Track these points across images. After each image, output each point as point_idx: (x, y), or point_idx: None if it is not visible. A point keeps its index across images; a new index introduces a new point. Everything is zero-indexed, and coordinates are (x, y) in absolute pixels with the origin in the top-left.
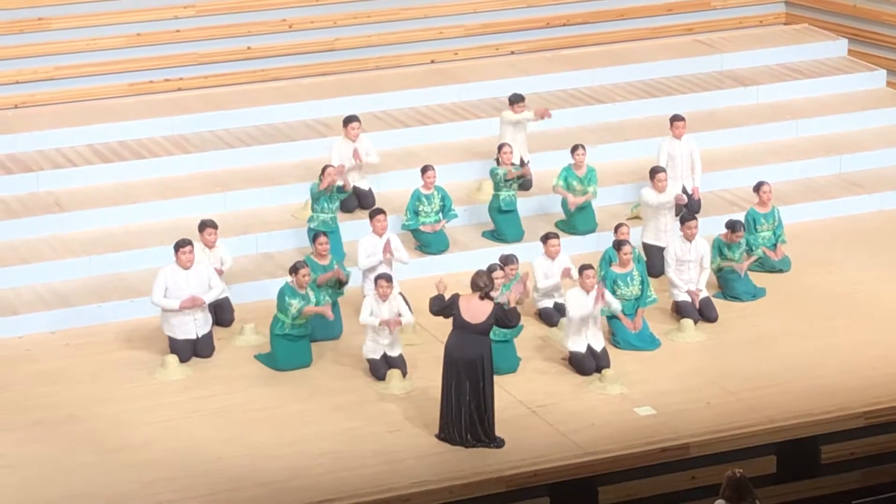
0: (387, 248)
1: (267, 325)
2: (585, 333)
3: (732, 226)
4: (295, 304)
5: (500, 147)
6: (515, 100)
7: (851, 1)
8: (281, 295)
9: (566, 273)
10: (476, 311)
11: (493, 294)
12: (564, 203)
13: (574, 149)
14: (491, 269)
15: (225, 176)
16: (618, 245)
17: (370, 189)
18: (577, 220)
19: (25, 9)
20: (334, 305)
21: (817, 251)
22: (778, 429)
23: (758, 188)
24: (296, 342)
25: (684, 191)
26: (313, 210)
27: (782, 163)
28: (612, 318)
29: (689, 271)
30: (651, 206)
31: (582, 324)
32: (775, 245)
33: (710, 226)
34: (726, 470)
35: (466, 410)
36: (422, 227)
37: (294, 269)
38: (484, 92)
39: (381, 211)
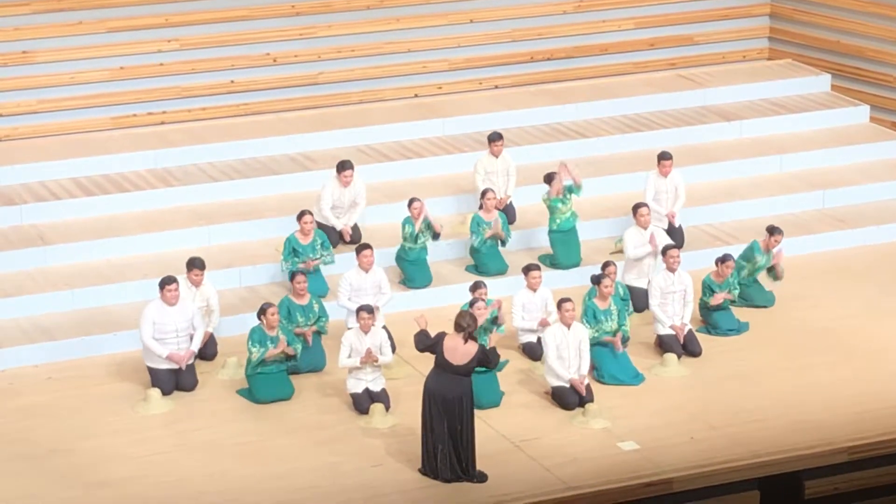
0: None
1: None
2: (567, 369)
3: (723, 259)
4: (255, 353)
5: (484, 193)
6: (494, 138)
7: (835, 36)
8: (249, 337)
9: (543, 323)
10: (459, 352)
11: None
12: (552, 236)
13: (550, 177)
14: (472, 302)
15: (209, 209)
16: (597, 280)
17: (355, 224)
18: (561, 255)
19: (9, 42)
20: (317, 336)
21: (801, 286)
22: (761, 464)
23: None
24: (271, 375)
25: (670, 226)
26: (295, 257)
27: (765, 197)
28: (595, 347)
29: (674, 304)
30: (631, 259)
31: (560, 363)
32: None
33: (694, 260)
34: None
35: (443, 449)
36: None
37: (262, 311)
38: (468, 126)
39: (367, 246)
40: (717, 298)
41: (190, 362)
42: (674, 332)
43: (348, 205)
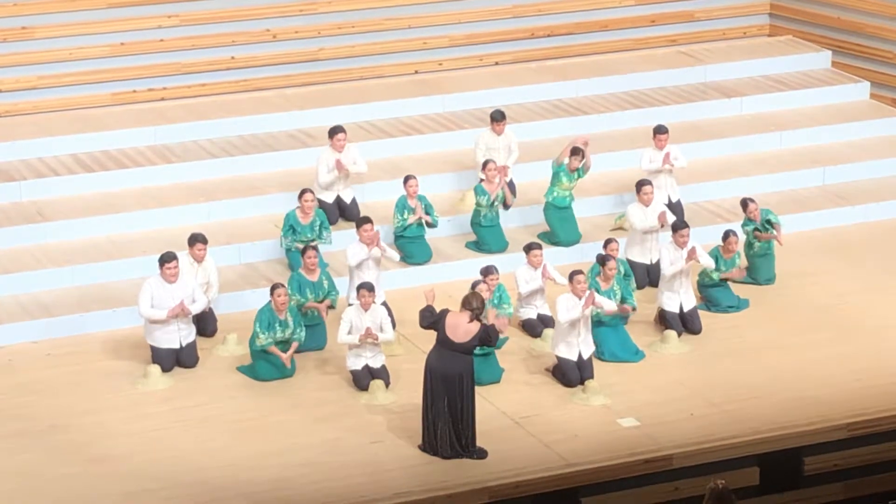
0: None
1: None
2: (577, 340)
3: (725, 235)
4: (262, 339)
5: (485, 164)
6: (497, 118)
7: (835, 13)
8: (257, 317)
9: (545, 273)
10: (461, 330)
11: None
12: (548, 213)
13: (574, 151)
14: (474, 284)
15: (208, 186)
16: (603, 260)
17: (354, 199)
18: (560, 233)
19: (9, 18)
20: (313, 328)
21: (801, 263)
22: (761, 440)
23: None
24: (275, 354)
25: (669, 202)
26: (293, 234)
27: (766, 174)
28: (596, 326)
29: (680, 277)
30: (637, 230)
31: (571, 328)
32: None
33: (695, 237)
34: (709, 481)
35: (443, 426)
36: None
37: (271, 291)
38: (468, 103)
39: (368, 220)
40: (730, 274)
41: (190, 340)
42: (677, 310)
43: (343, 175)
